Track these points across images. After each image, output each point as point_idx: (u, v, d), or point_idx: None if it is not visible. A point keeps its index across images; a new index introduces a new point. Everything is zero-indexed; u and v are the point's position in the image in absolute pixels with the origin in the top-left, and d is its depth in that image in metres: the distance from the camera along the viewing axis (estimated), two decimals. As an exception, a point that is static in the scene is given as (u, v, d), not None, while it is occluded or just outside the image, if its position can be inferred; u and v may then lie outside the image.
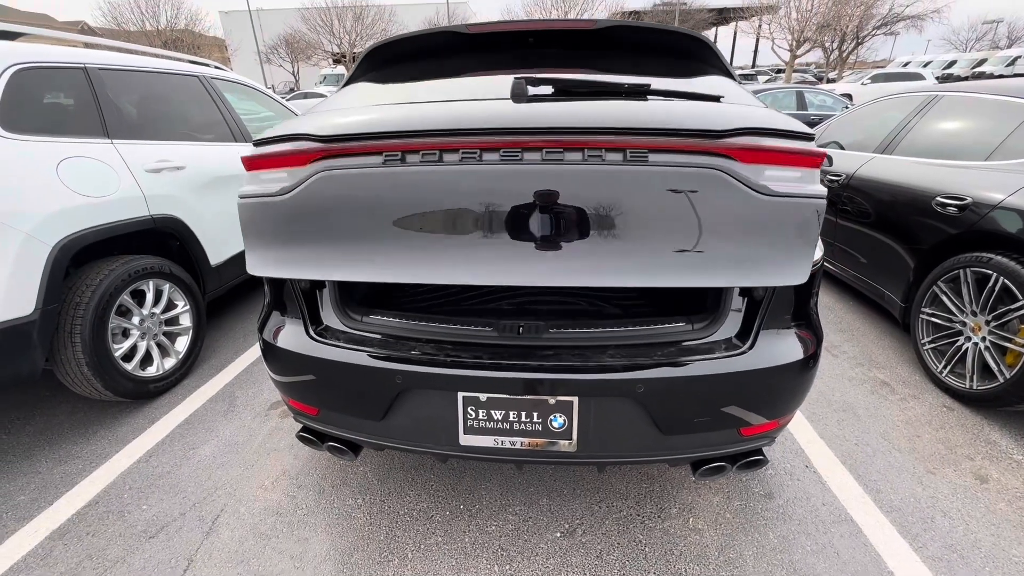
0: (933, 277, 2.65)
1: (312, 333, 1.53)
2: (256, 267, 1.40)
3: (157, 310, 2.66)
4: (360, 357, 1.44)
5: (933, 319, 2.67)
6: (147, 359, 2.62)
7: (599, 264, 1.23)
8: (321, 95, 23.47)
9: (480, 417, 1.42)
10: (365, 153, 1.26)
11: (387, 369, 1.40)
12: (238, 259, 3.24)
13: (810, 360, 1.44)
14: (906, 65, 28.69)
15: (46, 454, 2.25)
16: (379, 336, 1.51)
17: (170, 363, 2.73)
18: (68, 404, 2.61)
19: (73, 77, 2.47)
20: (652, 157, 1.18)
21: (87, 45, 3.25)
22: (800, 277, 1.24)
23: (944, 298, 2.59)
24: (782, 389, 1.43)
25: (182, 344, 2.82)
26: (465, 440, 1.44)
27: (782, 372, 1.39)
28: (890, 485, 2.00)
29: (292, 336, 1.55)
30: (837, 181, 3.55)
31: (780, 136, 1.20)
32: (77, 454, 2.24)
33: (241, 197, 1.37)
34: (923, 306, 2.72)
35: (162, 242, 2.81)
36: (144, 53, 3.20)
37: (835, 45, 30.18)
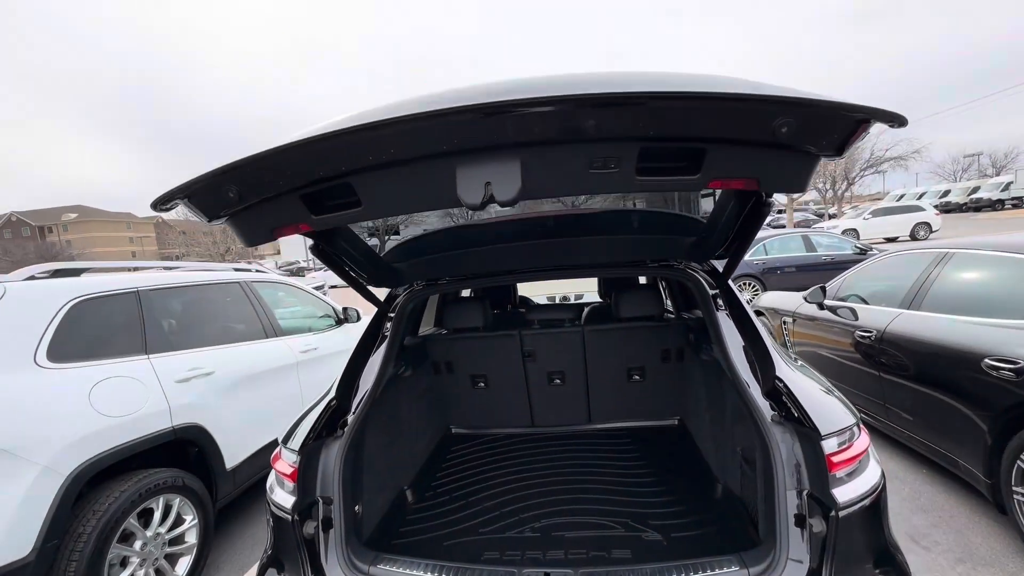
0: (1014, 451, 2.34)
1: None
2: None
3: (163, 529, 2.49)
4: None
5: (1032, 501, 2.29)
6: (143, 589, 2.38)
7: None
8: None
9: None
10: None
11: None
12: (254, 458, 3.15)
13: None
14: (901, 198, 30.29)
15: None
16: None
17: (166, 592, 2.47)
18: (47, 653, 2.31)
19: (125, 301, 2.70)
20: None
21: (170, 267, 3.64)
22: None
23: (1037, 476, 2.25)
24: None
25: (183, 567, 2.58)
26: None
27: None
28: None
29: None
30: (869, 337, 3.42)
31: None
32: None
33: None
34: (1014, 485, 2.36)
35: (180, 450, 2.77)
36: (193, 269, 3.56)
37: (828, 186, 32.46)
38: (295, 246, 49.15)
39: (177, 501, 2.57)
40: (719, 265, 2.14)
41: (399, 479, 2.28)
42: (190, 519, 2.64)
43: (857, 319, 3.66)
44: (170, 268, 3.43)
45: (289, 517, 1.44)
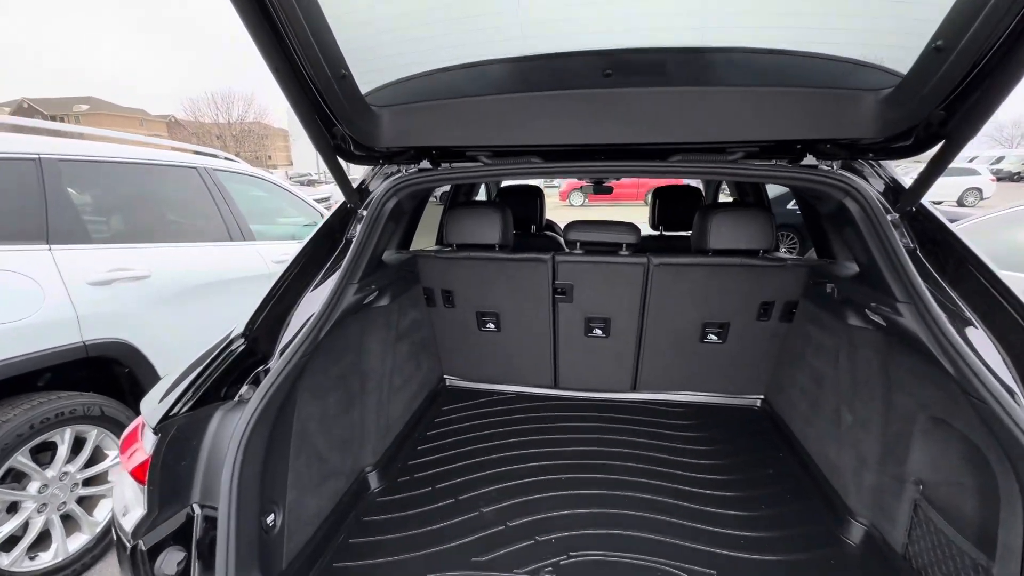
0: None
1: None
2: None
3: (73, 468, 1.97)
4: None
5: None
6: (45, 536, 1.90)
7: None
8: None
9: None
10: None
11: None
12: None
13: None
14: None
15: None
16: None
17: (79, 543, 1.98)
18: (-75, 603, 1.86)
19: (20, 170, 2.00)
20: None
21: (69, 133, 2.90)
22: None
23: None
24: None
25: (103, 512, 2.08)
26: None
27: None
28: None
29: None
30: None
31: None
32: None
33: None
34: None
35: (104, 371, 2.19)
36: (138, 143, 2.84)
37: (876, 141, 30.12)
38: (307, 158, 47.79)
39: (94, 433, 2.03)
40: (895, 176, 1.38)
41: (357, 458, 1.64)
42: (113, 456, 2.11)
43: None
44: (105, 137, 2.70)
45: (129, 546, 0.83)
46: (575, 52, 1.15)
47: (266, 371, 1.06)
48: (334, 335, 1.29)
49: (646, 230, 3.02)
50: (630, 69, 1.15)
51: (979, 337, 0.96)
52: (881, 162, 1.37)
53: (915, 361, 1.14)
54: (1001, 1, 0.78)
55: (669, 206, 2.79)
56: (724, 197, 3.77)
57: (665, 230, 2.85)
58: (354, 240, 1.33)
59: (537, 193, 3.03)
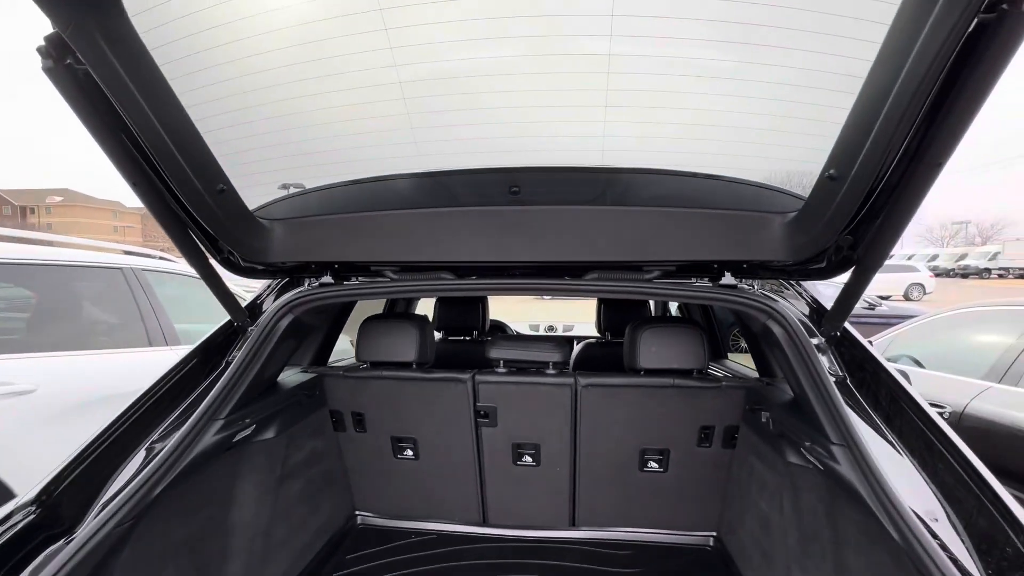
0: None
1: None
2: None
3: None
4: None
5: None
6: None
7: None
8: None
9: None
10: None
11: None
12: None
13: None
14: (891, 257, 30.28)
15: None
16: None
17: None
18: None
19: None
20: None
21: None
22: None
23: None
24: None
25: None
26: None
27: None
28: None
29: None
30: (941, 415, 2.62)
31: None
32: None
33: None
34: None
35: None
36: (76, 246, 2.71)
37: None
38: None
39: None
40: (819, 295, 1.34)
41: None
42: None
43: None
44: (29, 239, 2.55)
45: None
46: (479, 169, 1.11)
47: (69, 543, 0.83)
48: (184, 486, 1.06)
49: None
50: (537, 187, 1.11)
51: (926, 498, 0.83)
52: (803, 283, 1.34)
53: (862, 517, 0.99)
54: (882, 134, 0.77)
55: (613, 311, 2.73)
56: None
57: (612, 336, 2.77)
58: (232, 365, 1.17)
59: (479, 297, 2.94)
